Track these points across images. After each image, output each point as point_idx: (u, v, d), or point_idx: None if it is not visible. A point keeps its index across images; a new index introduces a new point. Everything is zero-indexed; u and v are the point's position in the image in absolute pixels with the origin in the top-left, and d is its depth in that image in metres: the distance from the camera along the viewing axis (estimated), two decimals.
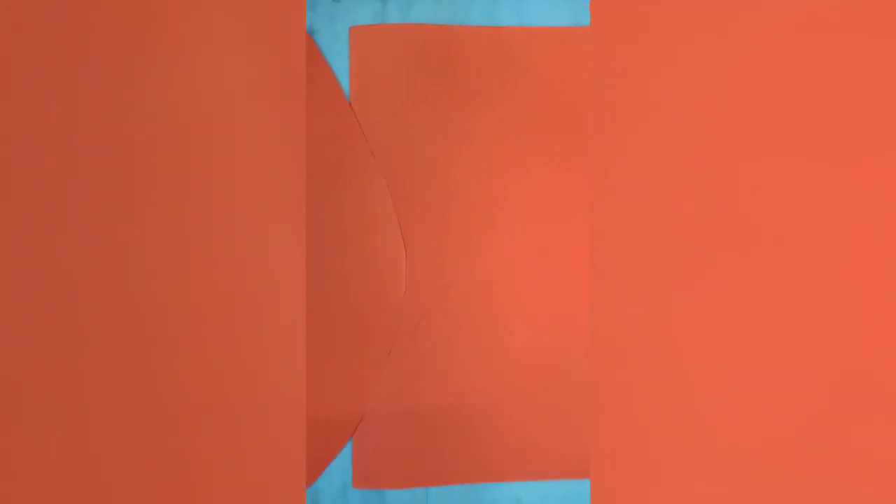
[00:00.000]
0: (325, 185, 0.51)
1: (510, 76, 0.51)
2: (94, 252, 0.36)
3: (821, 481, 0.33)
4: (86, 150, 0.36)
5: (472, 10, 0.51)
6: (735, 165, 0.34)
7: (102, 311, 0.36)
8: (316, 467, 0.52)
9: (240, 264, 0.37)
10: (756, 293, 0.34)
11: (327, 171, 0.51)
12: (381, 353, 0.52)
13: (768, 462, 0.34)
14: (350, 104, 0.51)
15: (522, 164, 0.51)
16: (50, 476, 0.34)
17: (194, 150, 0.36)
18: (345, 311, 0.51)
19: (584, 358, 0.51)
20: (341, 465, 0.52)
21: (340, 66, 0.51)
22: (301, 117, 0.37)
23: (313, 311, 0.51)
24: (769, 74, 0.34)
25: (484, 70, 0.51)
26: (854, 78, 0.34)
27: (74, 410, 0.35)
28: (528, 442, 0.52)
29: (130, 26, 0.36)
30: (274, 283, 0.37)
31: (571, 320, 0.51)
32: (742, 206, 0.34)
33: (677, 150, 0.35)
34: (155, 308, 0.36)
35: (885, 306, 0.33)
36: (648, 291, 0.35)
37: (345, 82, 0.51)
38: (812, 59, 0.34)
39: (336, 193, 0.51)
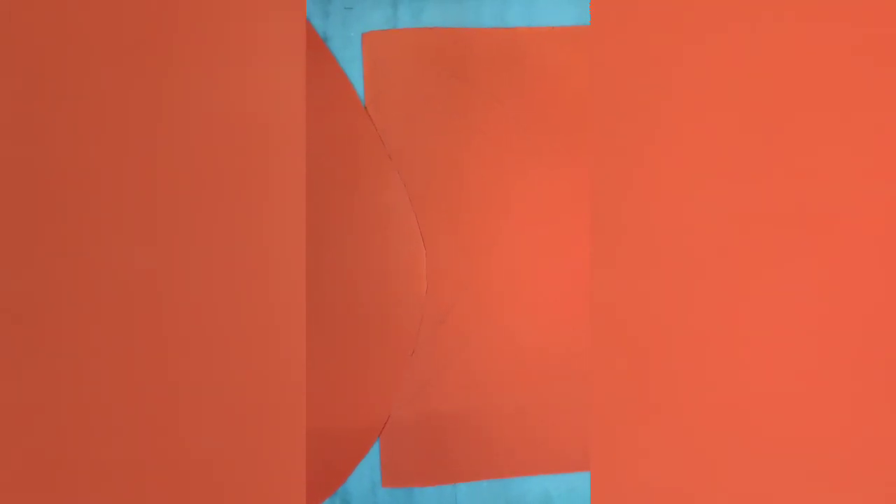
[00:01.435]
0: (344, 188, 0.52)
1: (521, 75, 0.52)
2: (94, 250, 0.36)
3: (817, 476, 0.34)
4: (86, 151, 0.36)
5: (482, 12, 0.52)
6: (732, 164, 0.35)
7: (100, 309, 0.36)
8: (345, 468, 0.52)
9: (239, 268, 0.37)
10: (753, 290, 0.34)
11: (345, 174, 0.52)
12: (404, 353, 0.52)
13: (764, 453, 0.34)
14: (365, 108, 0.52)
15: (536, 161, 0.52)
16: (42, 477, 0.35)
17: (191, 151, 0.37)
18: (367, 313, 0.52)
19: None
20: (370, 464, 0.52)
21: (354, 72, 0.52)
22: (300, 119, 0.37)
23: (335, 313, 0.52)
24: (768, 71, 0.35)
25: (495, 70, 0.52)
26: (857, 75, 0.34)
27: (75, 409, 0.36)
28: (555, 435, 0.52)
29: (132, 30, 0.37)
30: (274, 287, 0.37)
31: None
32: (742, 202, 0.35)
33: (675, 148, 0.35)
34: (149, 309, 0.36)
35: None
36: (646, 287, 0.36)
37: (359, 87, 0.52)
38: (812, 55, 0.34)
39: (354, 196, 0.52)
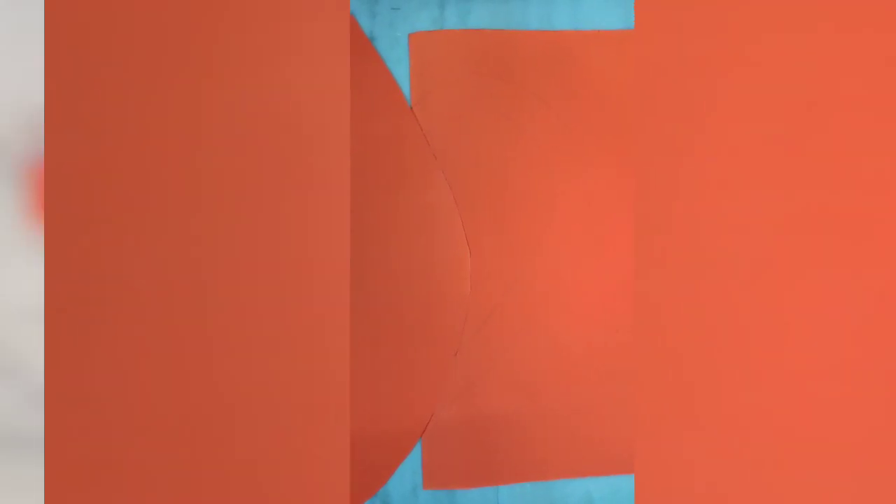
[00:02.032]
0: (389, 188, 0.52)
1: (567, 78, 0.53)
2: (137, 250, 0.36)
3: (870, 486, 0.34)
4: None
5: (528, 14, 0.53)
6: (777, 167, 0.35)
7: (148, 310, 0.36)
8: (386, 469, 0.52)
9: (283, 269, 0.37)
10: (800, 293, 0.34)
11: (390, 174, 0.52)
12: (447, 354, 0.52)
13: (812, 461, 0.34)
14: (411, 108, 0.52)
15: (581, 163, 0.52)
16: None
17: (235, 152, 0.37)
18: (411, 313, 0.52)
19: None
20: (411, 466, 0.52)
21: (401, 72, 0.52)
22: (345, 119, 0.37)
23: (379, 314, 0.52)
24: (815, 74, 0.35)
25: (541, 72, 0.52)
26: None
27: (119, 410, 0.36)
28: (598, 437, 0.52)
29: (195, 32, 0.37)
30: (318, 288, 0.37)
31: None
32: (788, 206, 0.35)
33: (720, 150, 0.36)
34: (194, 311, 0.36)
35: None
36: (690, 290, 0.36)
37: (405, 87, 0.52)
38: (861, 57, 0.35)
39: (399, 196, 0.52)
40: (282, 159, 0.38)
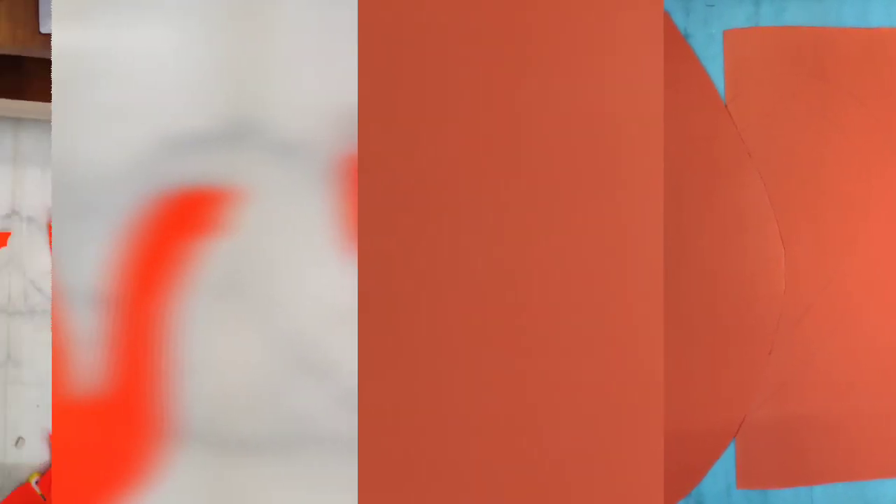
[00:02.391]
0: (703, 185, 0.52)
1: (883, 76, 0.52)
2: (453, 247, 0.36)
3: None
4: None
5: (844, 11, 0.52)
6: None
7: (460, 307, 0.36)
8: (699, 469, 0.52)
9: (597, 268, 0.37)
10: None
11: (704, 171, 0.52)
12: (761, 353, 0.52)
13: None
14: (726, 106, 0.52)
15: None
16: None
17: (549, 150, 0.37)
18: (724, 312, 0.52)
19: None
20: (724, 466, 0.52)
21: (715, 69, 0.52)
22: (658, 116, 0.37)
23: (692, 312, 0.51)
24: None
25: (856, 70, 0.52)
26: None
27: (433, 409, 0.36)
28: None
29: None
30: (632, 287, 0.37)
31: None
32: None
33: None
34: (510, 310, 0.36)
35: None
36: None
37: (720, 85, 0.52)
38: None
39: (713, 193, 0.52)
40: (595, 158, 0.38)
